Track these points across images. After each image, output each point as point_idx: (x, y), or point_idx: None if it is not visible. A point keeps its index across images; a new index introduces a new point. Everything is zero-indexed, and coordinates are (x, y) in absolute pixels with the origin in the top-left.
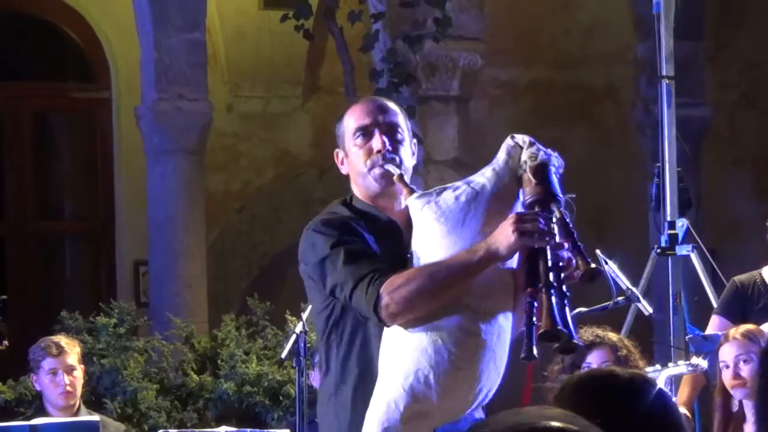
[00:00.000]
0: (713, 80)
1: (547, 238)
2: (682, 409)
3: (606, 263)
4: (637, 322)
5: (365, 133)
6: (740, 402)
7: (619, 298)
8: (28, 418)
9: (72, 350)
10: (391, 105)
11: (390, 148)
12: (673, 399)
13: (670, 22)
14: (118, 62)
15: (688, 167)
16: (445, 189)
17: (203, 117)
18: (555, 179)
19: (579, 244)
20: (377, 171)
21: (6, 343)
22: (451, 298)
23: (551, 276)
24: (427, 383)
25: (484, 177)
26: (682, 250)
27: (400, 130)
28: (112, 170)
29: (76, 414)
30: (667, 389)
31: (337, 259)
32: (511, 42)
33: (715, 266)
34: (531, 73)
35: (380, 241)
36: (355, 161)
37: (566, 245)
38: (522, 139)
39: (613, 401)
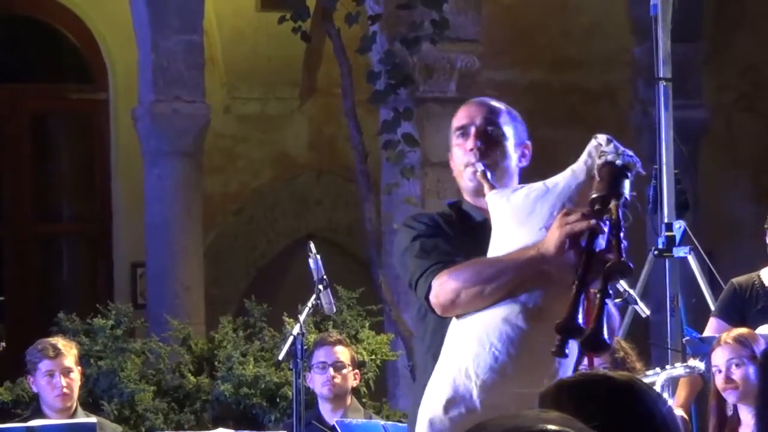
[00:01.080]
0: (711, 82)
1: (592, 235)
2: (680, 412)
3: None
4: (635, 324)
5: (463, 132)
6: (735, 406)
7: (617, 300)
8: (25, 420)
9: (69, 352)
10: (495, 105)
11: (481, 147)
12: (671, 402)
13: (668, 24)
14: (116, 64)
15: (686, 169)
16: (522, 187)
17: (201, 119)
18: (623, 178)
19: (623, 242)
20: (469, 169)
21: (3, 344)
22: (504, 295)
23: (588, 273)
24: (467, 375)
25: (561, 176)
26: (680, 251)
27: (496, 130)
28: (109, 172)
29: (73, 416)
30: (664, 392)
31: (413, 251)
32: (509, 44)
33: (712, 268)
34: (529, 75)
35: (470, 239)
36: (454, 160)
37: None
38: (602, 138)
39: (610, 405)
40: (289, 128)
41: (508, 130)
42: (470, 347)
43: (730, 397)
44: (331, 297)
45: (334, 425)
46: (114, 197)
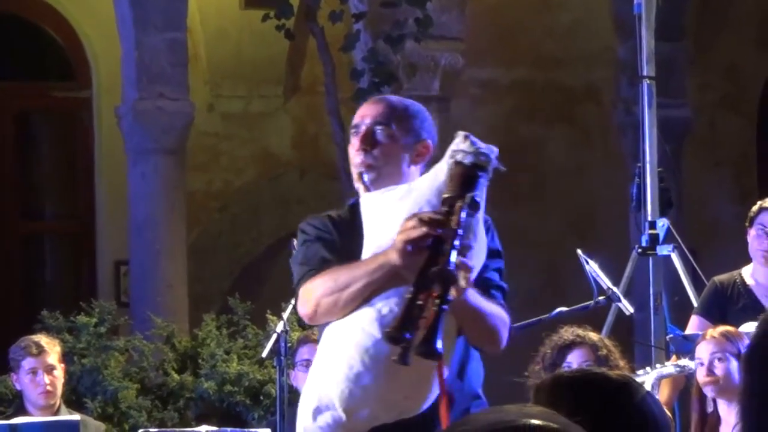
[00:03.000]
0: (694, 81)
1: (427, 236)
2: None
3: (587, 263)
4: (618, 321)
5: (355, 132)
6: (714, 403)
7: (600, 298)
8: (8, 418)
9: (52, 350)
10: (391, 104)
11: (366, 148)
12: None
13: (651, 22)
14: (99, 62)
15: (669, 168)
16: (392, 188)
17: (184, 117)
18: (474, 178)
19: (455, 247)
20: (354, 170)
21: None
22: (360, 303)
23: (423, 279)
24: (329, 385)
25: (425, 176)
26: (663, 250)
27: (386, 131)
28: (92, 170)
29: (57, 413)
30: (654, 390)
31: (297, 258)
32: (492, 42)
33: (695, 266)
34: (512, 74)
35: (360, 241)
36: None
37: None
38: (460, 135)
39: (604, 402)
40: (273, 126)
41: (402, 131)
42: (331, 356)
43: (710, 392)
44: None
45: None
46: (97, 195)
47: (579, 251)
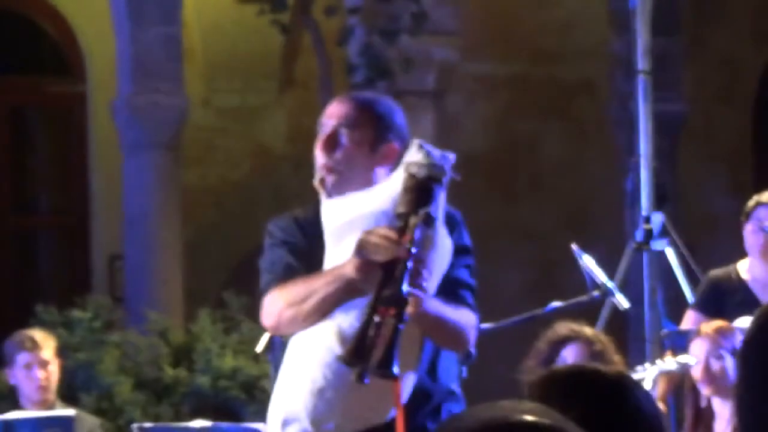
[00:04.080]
0: (690, 75)
1: (385, 255)
2: (658, 404)
3: (581, 257)
4: (613, 316)
5: (322, 131)
6: (709, 399)
7: (595, 293)
8: (2, 413)
9: (47, 344)
10: (358, 104)
11: (329, 150)
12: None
13: (647, 17)
14: (94, 56)
15: (665, 162)
16: (350, 196)
17: (179, 111)
18: (428, 191)
19: (408, 268)
20: (317, 173)
21: None
22: (320, 316)
23: (379, 297)
24: (295, 397)
25: (383, 185)
26: (658, 244)
27: (351, 133)
28: (87, 164)
29: (51, 408)
30: (655, 387)
31: (263, 263)
32: (488, 37)
33: (690, 261)
34: (507, 68)
35: (323, 241)
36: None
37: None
38: (415, 145)
39: (597, 399)
40: (268, 120)
41: (366, 131)
42: (295, 369)
43: (706, 390)
44: None
45: None
46: (92, 190)
47: (574, 246)
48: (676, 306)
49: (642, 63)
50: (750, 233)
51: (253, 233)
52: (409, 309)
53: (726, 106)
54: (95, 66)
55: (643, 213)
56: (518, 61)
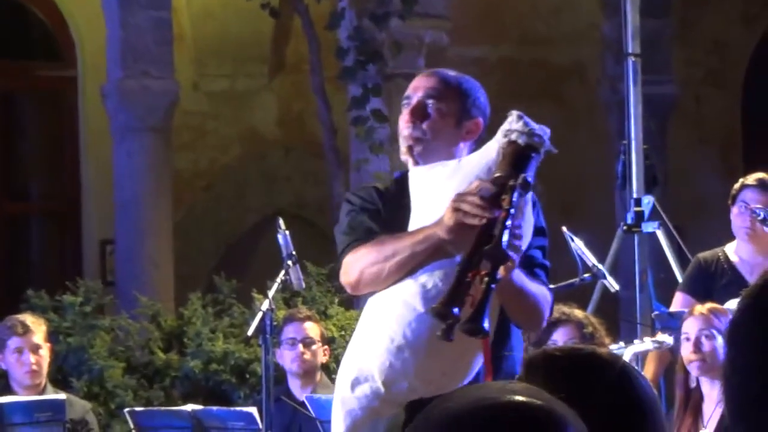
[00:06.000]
0: (680, 58)
1: (481, 218)
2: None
3: (572, 240)
4: (604, 299)
5: (407, 103)
6: (698, 380)
7: (586, 275)
8: None
9: (38, 329)
10: (445, 78)
11: (416, 121)
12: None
13: None
14: (84, 41)
15: (655, 145)
16: (441, 164)
17: (169, 95)
18: (526, 159)
19: (507, 227)
20: (403, 142)
21: None
22: (404, 275)
23: (474, 256)
24: (369, 356)
25: (476, 153)
26: (648, 227)
27: (437, 104)
28: (78, 149)
29: (42, 392)
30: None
31: (341, 227)
32: (478, 20)
33: (681, 243)
34: (497, 52)
35: (405, 214)
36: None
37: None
38: (513, 115)
39: (591, 380)
40: (258, 105)
41: (453, 105)
42: (373, 328)
43: (695, 369)
44: (299, 273)
45: (303, 401)
46: (83, 174)
47: (564, 228)
48: (666, 288)
49: (631, 46)
50: (736, 215)
51: (243, 217)
52: (501, 271)
53: (716, 89)
54: (86, 51)
55: (634, 195)
56: (508, 45)
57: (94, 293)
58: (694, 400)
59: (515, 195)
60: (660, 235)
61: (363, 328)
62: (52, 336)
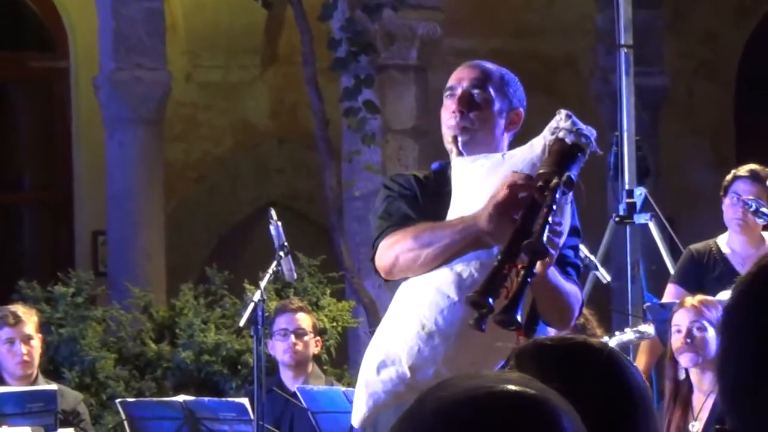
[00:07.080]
0: (672, 49)
1: (528, 211)
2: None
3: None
4: (596, 290)
5: (451, 94)
6: (686, 371)
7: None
8: None
9: (29, 320)
10: (488, 69)
11: (463, 111)
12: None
13: None
14: (77, 32)
15: (647, 136)
16: (484, 156)
17: (162, 87)
18: (572, 157)
19: (548, 222)
20: (448, 132)
21: None
22: (440, 263)
23: (512, 248)
24: (397, 341)
25: (520, 148)
26: (640, 218)
27: (482, 94)
28: (70, 140)
29: (34, 383)
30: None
31: (378, 212)
32: (471, 12)
33: (673, 235)
34: (490, 43)
35: (442, 204)
36: (441, 120)
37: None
38: (562, 114)
39: (583, 369)
40: (251, 96)
41: (497, 96)
42: (404, 313)
43: (685, 360)
44: (291, 264)
45: (295, 392)
46: (75, 165)
47: None
48: (658, 279)
49: (624, 37)
50: (728, 207)
51: (235, 208)
52: (538, 266)
53: (708, 81)
54: (78, 42)
55: (626, 187)
56: (501, 36)
57: (86, 284)
58: (683, 392)
59: (558, 192)
60: (652, 226)
61: (393, 313)
62: (43, 327)
